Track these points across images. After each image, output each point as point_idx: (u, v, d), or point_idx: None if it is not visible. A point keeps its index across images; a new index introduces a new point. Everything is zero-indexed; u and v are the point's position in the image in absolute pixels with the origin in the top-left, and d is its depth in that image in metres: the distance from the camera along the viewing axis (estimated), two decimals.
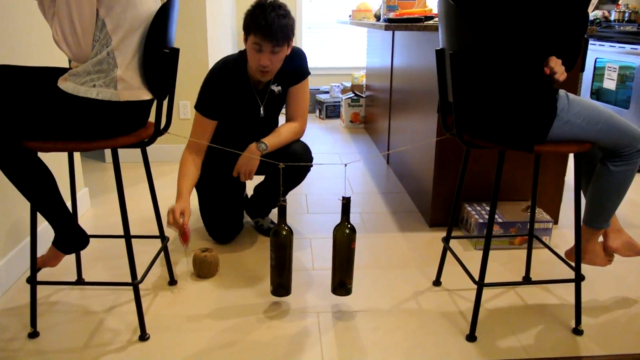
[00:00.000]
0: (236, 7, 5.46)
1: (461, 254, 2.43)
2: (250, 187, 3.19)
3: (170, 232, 2.62)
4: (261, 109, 2.33)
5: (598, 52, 4.48)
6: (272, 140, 2.26)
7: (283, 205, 1.84)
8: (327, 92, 5.59)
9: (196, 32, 3.60)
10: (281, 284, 1.90)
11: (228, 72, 2.26)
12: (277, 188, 2.43)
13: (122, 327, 1.86)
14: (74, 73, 1.60)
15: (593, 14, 4.90)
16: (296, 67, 2.32)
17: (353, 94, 5.02)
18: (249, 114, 2.34)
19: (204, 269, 2.17)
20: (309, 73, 2.36)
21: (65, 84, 1.59)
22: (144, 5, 1.63)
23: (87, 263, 2.31)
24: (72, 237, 1.82)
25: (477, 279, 1.81)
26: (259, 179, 3.40)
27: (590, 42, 4.58)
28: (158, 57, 1.69)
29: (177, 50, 1.79)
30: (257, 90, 2.32)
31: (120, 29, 1.58)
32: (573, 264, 1.95)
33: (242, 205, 2.59)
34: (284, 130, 2.31)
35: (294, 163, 2.28)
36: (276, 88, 2.33)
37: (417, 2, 3.30)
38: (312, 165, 2.37)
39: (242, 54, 2.27)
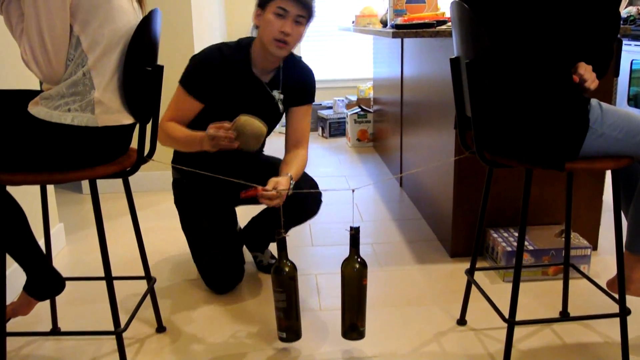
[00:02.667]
0: (226, 20, 5.53)
1: (488, 287, 2.42)
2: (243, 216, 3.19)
3: (157, 271, 2.62)
4: (280, 105, 2.31)
5: (634, 53, 4.50)
6: (294, 172, 2.20)
7: (283, 238, 1.84)
8: (330, 108, 5.63)
9: (182, 47, 3.64)
10: (290, 328, 1.89)
11: (227, 54, 2.23)
12: (279, 216, 2.42)
13: None
14: (46, 96, 1.61)
15: (626, 11, 4.94)
16: (306, 86, 2.34)
17: (359, 109, 5.05)
18: (255, 106, 2.28)
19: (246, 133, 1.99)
20: (314, 100, 2.40)
21: (37, 109, 1.61)
22: (123, 19, 1.65)
23: (63, 310, 2.31)
24: (45, 281, 1.82)
25: (507, 316, 1.80)
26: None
27: (625, 42, 4.61)
28: (140, 76, 1.71)
29: (161, 68, 1.81)
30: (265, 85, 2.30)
31: (97, 46, 1.60)
32: (616, 296, 1.94)
33: (238, 240, 2.56)
34: (299, 160, 2.28)
35: (301, 191, 2.26)
36: (278, 95, 2.32)
37: (427, 4, 3.33)
38: (321, 201, 2.39)
39: (245, 41, 2.27)
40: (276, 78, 2.31)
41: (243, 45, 2.27)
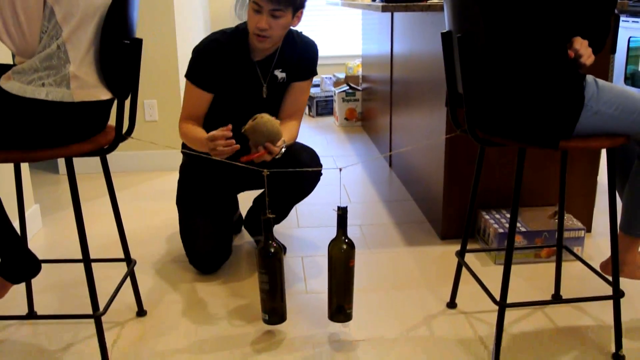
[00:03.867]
0: None
1: (479, 270, 2.44)
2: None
3: (137, 254, 2.61)
4: (264, 88, 2.36)
5: (632, 30, 4.51)
6: (286, 138, 2.23)
7: (269, 219, 1.84)
8: (317, 86, 5.61)
9: (162, 20, 3.61)
10: (275, 310, 1.90)
11: (225, 41, 2.29)
12: (281, 199, 2.45)
13: None
14: (19, 70, 1.59)
15: None
16: (307, 61, 2.39)
17: (348, 87, 5.04)
18: (249, 93, 2.35)
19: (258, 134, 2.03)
20: (316, 73, 2.44)
21: (9, 84, 1.59)
22: None
23: (40, 293, 2.30)
24: (20, 264, 1.81)
25: (498, 298, 1.81)
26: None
27: (622, 18, 4.62)
28: (117, 49, 1.69)
29: (139, 42, 1.80)
30: (260, 69, 2.35)
31: (71, 17, 1.58)
32: (610, 278, 1.95)
33: (233, 226, 2.59)
34: (291, 129, 2.34)
35: (299, 169, 2.29)
36: (280, 74, 2.36)
37: None
38: (321, 174, 2.42)
39: (242, 25, 2.31)
40: (276, 57, 2.34)
41: (240, 32, 2.31)
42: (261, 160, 2.05)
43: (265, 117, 2.00)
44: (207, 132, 2.35)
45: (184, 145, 2.48)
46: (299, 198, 2.45)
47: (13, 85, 1.59)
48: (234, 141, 1.98)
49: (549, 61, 1.62)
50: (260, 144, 2.02)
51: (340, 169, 1.67)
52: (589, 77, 1.72)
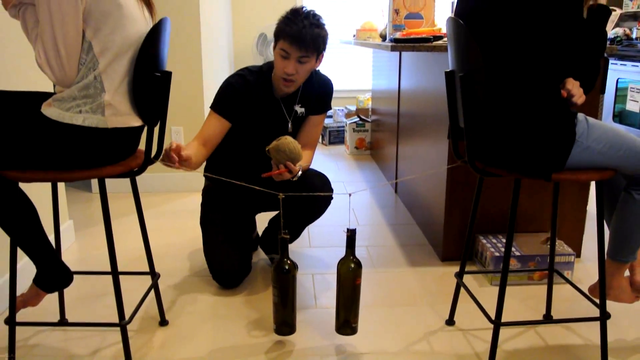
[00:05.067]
0: (233, 28, 5.54)
1: (476, 290, 2.42)
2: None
3: (161, 268, 2.61)
4: (289, 124, 2.37)
5: (620, 72, 4.51)
6: (303, 163, 2.25)
7: (284, 239, 1.84)
8: (330, 117, 5.62)
9: (190, 54, 3.65)
10: (285, 322, 1.89)
11: (251, 80, 2.29)
12: (295, 220, 2.45)
13: None
14: (59, 98, 1.61)
15: (613, 31, 4.95)
16: (323, 96, 2.40)
17: (358, 119, 5.05)
18: (276, 129, 2.35)
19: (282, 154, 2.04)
20: (330, 108, 2.46)
21: (49, 110, 1.61)
22: (134, 27, 1.65)
23: (71, 302, 2.30)
24: (54, 274, 1.81)
25: (493, 317, 1.80)
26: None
27: (611, 61, 4.62)
28: (149, 81, 1.71)
29: (169, 74, 1.81)
30: (284, 106, 2.36)
31: (108, 51, 1.60)
32: (597, 301, 1.93)
33: (252, 245, 2.60)
34: (306, 156, 2.36)
35: (311, 193, 2.30)
36: (300, 109, 2.38)
37: (425, 20, 3.33)
38: (332, 199, 2.43)
39: (266, 65, 2.32)
40: (299, 95, 2.36)
41: (265, 71, 2.32)
42: (280, 178, 2.06)
43: (288, 139, 2.02)
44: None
45: (206, 170, 2.49)
46: (311, 220, 2.44)
47: (53, 111, 1.60)
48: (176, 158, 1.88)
49: (543, 100, 1.62)
50: (282, 162, 2.03)
51: (350, 194, 1.67)
52: (580, 115, 1.72)
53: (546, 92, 1.61)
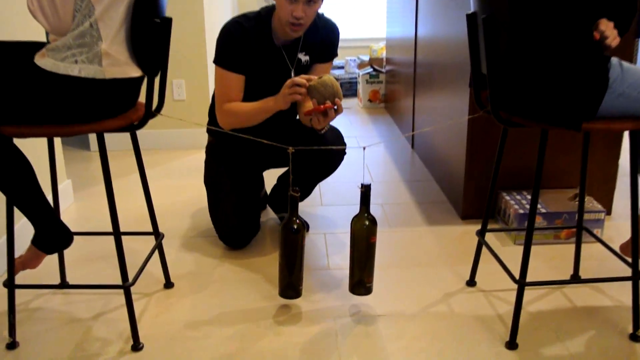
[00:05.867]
0: None
1: (499, 249, 2.43)
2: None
3: (165, 228, 2.64)
4: (292, 72, 2.34)
5: None
6: None
7: (294, 197, 1.84)
8: (341, 68, 5.58)
9: (190, 1, 3.60)
10: (290, 285, 1.91)
11: (249, 27, 2.25)
12: (306, 177, 2.45)
13: (113, 335, 1.88)
14: (53, 48, 1.60)
15: None
16: (328, 42, 2.37)
17: (372, 69, 5.01)
18: (277, 78, 2.32)
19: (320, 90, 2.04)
20: (337, 55, 2.43)
21: (43, 60, 1.60)
22: None
23: (72, 264, 2.33)
24: (54, 235, 1.83)
25: (517, 277, 1.80)
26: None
27: None
28: (148, 28, 1.69)
29: (169, 20, 1.79)
30: (286, 54, 2.33)
31: None
32: (629, 260, 1.93)
33: (259, 203, 2.60)
34: None
35: (324, 147, 2.28)
36: (304, 57, 2.35)
37: None
38: (345, 153, 2.42)
39: (264, 10, 2.29)
40: (301, 41, 2.33)
41: (263, 17, 2.28)
42: (321, 123, 2.04)
43: (332, 77, 2.01)
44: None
45: (210, 124, 2.48)
46: (323, 176, 2.44)
47: (47, 62, 1.60)
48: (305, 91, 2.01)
49: (574, 42, 1.59)
50: (327, 99, 2.01)
51: (364, 148, 1.67)
52: (614, 59, 1.69)
53: (577, 34, 1.58)
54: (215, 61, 2.26)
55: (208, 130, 2.52)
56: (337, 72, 5.37)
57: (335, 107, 2.02)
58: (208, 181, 2.51)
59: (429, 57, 3.34)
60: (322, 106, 2.00)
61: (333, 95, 1.99)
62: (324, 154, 2.33)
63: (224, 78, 2.26)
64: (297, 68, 2.36)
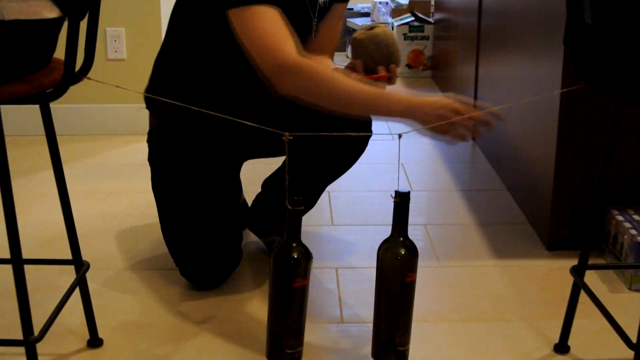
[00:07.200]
0: None
1: (606, 297, 2.41)
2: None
3: (91, 255, 2.63)
4: (313, 24, 2.39)
5: None
6: None
7: (295, 211, 1.82)
8: (367, 15, 5.60)
9: None
10: (285, 342, 1.90)
11: None
12: (311, 175, 2.46)
13: None
14: None
15: None
16: None
17: (412, 18, 5.02)
18: (298, 30, 2.31)
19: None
20: None
21: None
22: None
23: None
24: None
25: (634, 340, 1.79)
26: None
27: None
28: None
29: None
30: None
31: None
32: None
33: (240, 216, 2.62)
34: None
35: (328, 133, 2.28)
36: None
37: None
38: (368, 140, 2.46)
39: None
40: None
41: None
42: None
43: (388, 31, 2.02)
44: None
45: (150, 90, 2.44)
46: (335, 175, 2.45)
47: None
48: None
49: None
50: (380, 63, 2.02)
51: (400, 136, 1.65)
52: None
53: None
54: (243, 2, 2.17)
55: (150, 107, 2.49)
56: (359, 22, 5.38)
57: (390, 75, 2.03)
58: (157, 187, 2.50)
59: (500, 3, 3.35)
60: (373, 75, 2.00)
61: (388, 58, 2.00)
62: (336, 142, 2.31)
63: (269, 17, 2.17)
64: (320, 16, 2.42)
